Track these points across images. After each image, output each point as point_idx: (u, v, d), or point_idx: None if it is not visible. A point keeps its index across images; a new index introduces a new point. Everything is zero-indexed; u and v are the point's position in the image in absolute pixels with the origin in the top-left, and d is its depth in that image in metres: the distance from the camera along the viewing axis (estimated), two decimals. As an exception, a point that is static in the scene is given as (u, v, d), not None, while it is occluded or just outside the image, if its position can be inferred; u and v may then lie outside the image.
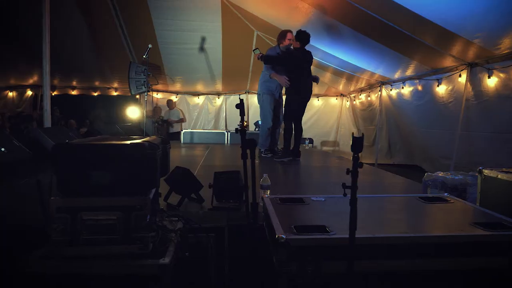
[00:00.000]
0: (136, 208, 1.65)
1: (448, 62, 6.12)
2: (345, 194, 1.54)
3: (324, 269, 1.69)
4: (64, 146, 1.64)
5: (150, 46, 6.50)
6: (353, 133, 1.46)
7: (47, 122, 5.35)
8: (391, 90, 8.04)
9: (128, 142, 1.68)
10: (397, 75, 7.78)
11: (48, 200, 1.60)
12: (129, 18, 8.08)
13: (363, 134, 1.42)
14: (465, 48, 5.40)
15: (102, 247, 1.63)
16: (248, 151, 1.77)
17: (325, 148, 10.31)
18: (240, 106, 1.93)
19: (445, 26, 4.91)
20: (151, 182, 1.70)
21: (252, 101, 10.64)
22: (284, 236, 1.69)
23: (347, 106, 10.50)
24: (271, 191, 2.79)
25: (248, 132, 8.90)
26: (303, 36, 5.36)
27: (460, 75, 5.79)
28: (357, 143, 1.42)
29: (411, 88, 7.39)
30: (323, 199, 2.44)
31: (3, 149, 3.55)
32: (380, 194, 2.91)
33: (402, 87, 7.48)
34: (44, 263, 1.61)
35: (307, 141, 8.05)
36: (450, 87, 6.29)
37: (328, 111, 10.74)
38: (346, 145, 10.35)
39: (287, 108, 5.50)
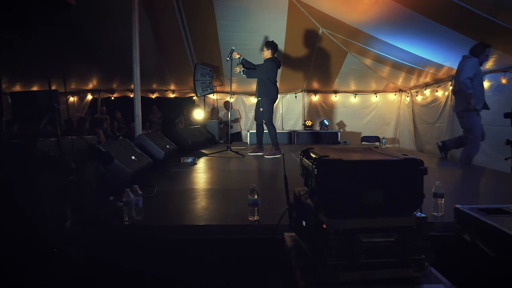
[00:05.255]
0: (412, 229, 1.53)
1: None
2: None
3: None
4: (335, 163, 1.53)
5: (233, 48, 6.40)
6: None
7: (139, 128, 5.33)
8: (465, 84, 7.71)
9: (402, 157, 1.57)
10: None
11: (328, 222, 1.50)
12: (193, 19, 8.03)
13: None
14: None
15: (380, 270, 1.52)
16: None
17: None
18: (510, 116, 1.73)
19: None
20: (421, 199, 1.58)
21: (309, 99, 10.53)
22: None
23: (407, 102, 10.22)
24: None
25: (312, 131, 8.84)
26: (274, 45, 6.34)
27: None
28: None
29: (490, 83, 7.06)
30: (524, 210, 2.29)
31: (133, 157, 3.52)
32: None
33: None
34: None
35: (384, 141, 7.88)
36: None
37: (386, 108, 10.50)
38: (406, 142, 10.09)
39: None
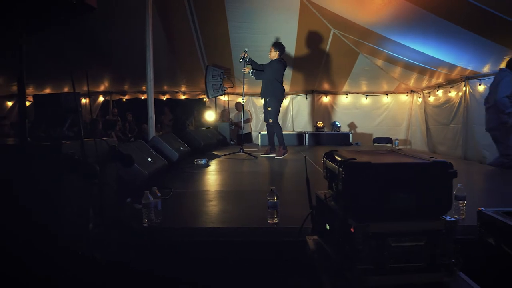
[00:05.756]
0: (442, 233, 1.50)
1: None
2: None
3: None
4: (363, 166, 1.51)
5: (246, 49, 6.40)
6: None
7: (152, 129, 5.35)
8: (479, 85, 7.63)
9: (430, 159, 1.54)
10: (486, 68, 7.35)
11: (356, 226, 1.48)
12: (205, 21, 8.05)
13: None
14: None
15: (409, 275, 1.49)
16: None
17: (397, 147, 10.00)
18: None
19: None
20: (450, 202, 1.56)
21: (319, 101, 10.49)
22: None
23: (419, 103, 10.11)
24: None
25: (324, 133, 8.79)
26: (282, 47, 6.44)
27: None
28: None
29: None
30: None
31: (149, 159, 3.53)
32: None
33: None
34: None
35: (396, 142, 7.82)
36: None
37: (397, 109, 10.42)
38: (418, 143, 9.99)
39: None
